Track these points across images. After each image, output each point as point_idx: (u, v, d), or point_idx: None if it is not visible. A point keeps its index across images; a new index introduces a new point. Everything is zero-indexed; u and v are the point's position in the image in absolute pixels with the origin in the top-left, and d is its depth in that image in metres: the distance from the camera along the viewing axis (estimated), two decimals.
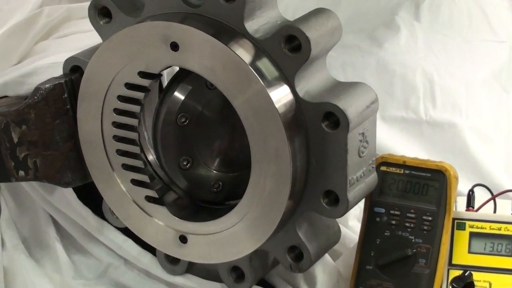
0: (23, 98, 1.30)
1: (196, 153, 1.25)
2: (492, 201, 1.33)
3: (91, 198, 1.37)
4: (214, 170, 1.28)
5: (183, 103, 1.22)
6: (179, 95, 1.21)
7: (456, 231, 1.26)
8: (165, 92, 1.22)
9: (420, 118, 1.58)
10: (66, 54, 1.34)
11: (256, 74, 1.10)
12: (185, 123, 1.22)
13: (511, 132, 1.57)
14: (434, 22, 1.68)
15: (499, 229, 1.25)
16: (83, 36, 1.48)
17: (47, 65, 1.38)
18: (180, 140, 1.23)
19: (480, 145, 1.53)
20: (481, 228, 1.26)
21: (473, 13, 1.69)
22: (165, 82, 1.34)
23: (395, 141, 1.52)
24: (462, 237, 1.25)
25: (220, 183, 1.28)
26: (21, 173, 1.28)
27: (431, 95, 1.59)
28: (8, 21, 1.53)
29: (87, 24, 1.49)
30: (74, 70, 1.26)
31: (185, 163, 1.24)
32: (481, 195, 1.35)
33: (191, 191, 1.26)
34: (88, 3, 1.36)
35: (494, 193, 1.35)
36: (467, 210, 1.31)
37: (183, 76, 1.22)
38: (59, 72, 1.31)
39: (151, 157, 1.29)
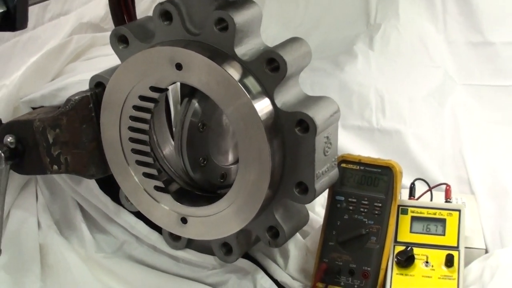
0: (56, 107, 1.30)
1: (210, 153, 1.25)
2: (429, 192, 1.34)
3: (110, 188, 1.37)
4: (222, 165, 1.28)
5: (202, 114, 1.21)
6: (198, 108, 1.21)
7: (400, 215, 1.26)
8: (186, 107, 1.21)
9: (373, 126, 1.58)
10: (91, 73, 1.34)
11: (243, 89, 1.10)
12: (203, 129, 1.22)
13: (444, 137, 1.57)
14: (384, 50, 1.68)
15: (434, 214, 1.26)
16: (105, 58, 1.48)
17: (76, 81, 1.39)
18: (199, 143, 1.23)
19: (419, 148, 1.54)
20: (420, 213, 1.26)
21: (415, 44, 1.69)
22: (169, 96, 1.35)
23: (352, 144, 1.52)
24: (405, 220, 1.26)
25: (225, 175, 1.28)
26: (55, 167, 1.28)
27: (381, 108, 1.60)
28: (45, 46, 1.54)
29: (108, 49, 1.50)
30: (98, 85, 1.26)
31: (202, 161, 1.23)
32: (420, 187, 1.36)
33: (203, 182, 1.26)
34: (108, 33, 1.37)
35: (431, 186, 1.36)
36: (409, 199, 1.32)
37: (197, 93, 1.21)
38: (85, 87, 1.31)
39: (158, 154, 1.29)
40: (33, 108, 1.42)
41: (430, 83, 1.65)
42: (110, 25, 1.64)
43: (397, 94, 1.62)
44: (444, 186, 1.36)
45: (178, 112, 1.21)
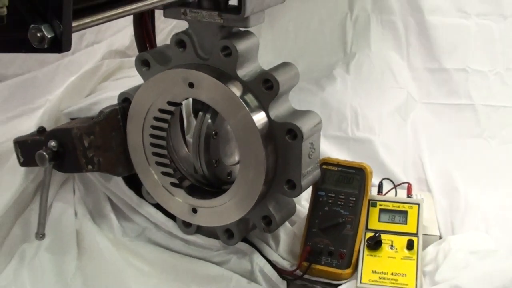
0: (91, 118, 1.31)
1: (220, 155, 1.25)
2: (393, 189, 1.36)
3: (134, 184, 1.38)
4: (228, 165, 1.28)
5: (214, 125, 1.22)
6: (210, 120, 1.22)
7: (370, 208, 1.28)
8: (202, 120, 1.22)
9: (348, 136, 1.59)
10: (118, 91, 1.35)
11: (243, 104, 1.12)
12: (215, 137, 1.23)
13: (407, 146, 1.58)
14: (358, 75, 1.68)
15: (398, 206, 1.27)
16: (130, 79, 1.49)
17: (106, 97, 1.40)
18: (213, 148, 1.24)
19: (386, 153, 1.55)
20: (387, 206, 1.28)
21: (383, 69, 1.70)
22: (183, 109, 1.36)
23: (331, 150, 1.53)
24: (374, 212, 1.27)
25: (231, 173, 1.29)
26: (90, 167, 1.29)
27: (355, 121, 1.60)
28: (81, 68, 1.55)
29: (132, 71, 1.51)
30: (124, 100, 1.28)
31: (214, 163, 1.24)
32: (386, 186, 1.37)
33: (214, 180, 1.26)
34: (133, 58, 1.38)
35: (395, 184, 1.38)
36: (378, 194, 1.33)
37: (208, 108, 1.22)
38: (114, 102, 1.32)
39: (174, 157, 1.30)
40: (71, 119, 1.43)
41: (395, 101, 1.66)
42: (134, 52, 1.64)
43: (369, 110, 1.63)
44: (406, 185, 1.38)
45: (195, 123, 1.22)
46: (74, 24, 0.74)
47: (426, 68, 1.70)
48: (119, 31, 1.70)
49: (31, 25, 0.72)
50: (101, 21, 0.83)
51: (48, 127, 1.37)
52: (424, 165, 1.52)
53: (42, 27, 0.71)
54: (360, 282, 1.18)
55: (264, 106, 1.14)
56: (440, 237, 1.29)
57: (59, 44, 0.71)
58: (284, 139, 1.14)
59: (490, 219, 1.33)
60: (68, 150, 1.29)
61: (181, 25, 1.67)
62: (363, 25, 1.74)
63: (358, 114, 1.62)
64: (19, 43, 0.73)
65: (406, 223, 1.25)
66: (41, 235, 1.31)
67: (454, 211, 1.37)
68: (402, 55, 1.72)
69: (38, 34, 0.71)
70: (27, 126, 1.46)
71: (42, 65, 1.67)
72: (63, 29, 0.71)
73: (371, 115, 1.62)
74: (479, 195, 1.41)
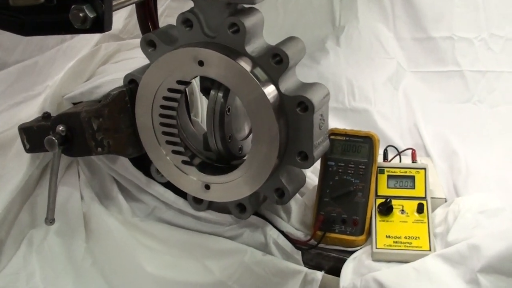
0: (96, 101, 1.29)
1: (233, 131, 1.23)
2: (398, 156, 1.36)
3: (141, 164, 1.36)
4: (240, 140, 1.27)
5: (227, 101, 1.20)
6: (222, 96, 1.20)
7: (379, 175, 1.27)
8: (215, 98, 1.19)
9: (346, 107, 1.59)
10: (119, 73, 1.33)
11: (254, 78, 1.10)
12: (228, 112, 1.21)
13: (401, 113, 1.59)
14: (349, 47, 1.69)
15: (405, 172, 1.27)
16: (129, 61, 1.47)
17: (108, 81, 1.37)
18: (227, 125, 1.21)
19: (383, 122, 1.55)
20: (394, 172, 1.27)
21: (372, 40, 1.70)
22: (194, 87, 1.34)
23: (331, 122, 1.48)
24: (383, 178, 1.27)
25: (241, 147, 1.27)
26: (99, 149, 1.26)
27: (352, 92, 1.60)
28: (79, 53, 1.52)
29: (131, 53, 1.50)
30: (131, 82, 1.25)
31: (228, 139, 1.22)
32: (390, 153, 1.37)
33: (226, 155, 1.24)
34: (131, 40, 1.35)
35: (399, 151, 1.37)
36: (384, 161, 1.33)
37: (219, 86, 1.19)
38: (116, 85, 1.29)
39: (182, 135, 1.28)
40: (74, 104, 1.40)
41: (386, 71, 1.66)
42: (128, 35, 1.63)
43: (363, 80, 1.63)
44: (410, 151, 1.37)
45: (207, 102, 1.20)
46: (114, 3, 0.72)
47: (413, 37, 1.71)
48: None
49: (73, 6, 0.69)
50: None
51: (51, 112, 1.34)
52: (420, 131, 1.53)
53: (84, 7, 0.69)
54: (376, 247, 1.17)
55: (274, 80, 1.12)
56: (446, 200, 1.29)
57: (101, 24, 0.69)
58: (295, 111, 1.12)
59: (491, 180, 1.34)
60: (76, 134, 1.27)
61: (172, 6, 1.66)
62: None
63: (353, 85, 1.61)
64: (60, 24, 0.70)
65: (414, 188, 1.25)
66: (51, 220, 1.28)
67: (456, 174, 1.37)
68: (389, 26, 1.72)
69: (81, 14, 0.69)
70: (28, 113, 1.43)
71: (42, 50, 1.63)
72: (105, 8, 0.69)
73: (365, 86, 1.62)
74: (476, 157, 1.42)
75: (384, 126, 1.54)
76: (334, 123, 1.52)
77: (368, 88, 1.61)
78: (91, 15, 0.69)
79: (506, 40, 1.65)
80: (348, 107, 1.59)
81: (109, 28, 0.70)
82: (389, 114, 1.57)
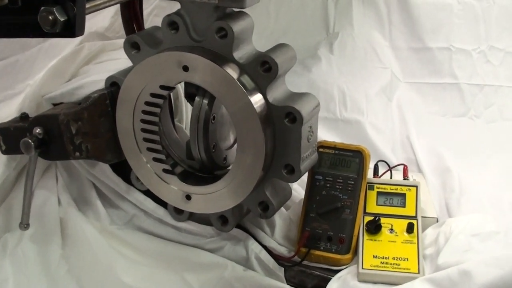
0: (76, 104, 1.24)
1: (218, 140, 1.19)
2: (389, 171, 1.32)
3: (121, 170, 1.31)
4: (224, 149, 1.22)
5: (212, 108, 1.16)
6: (207, 103, 1.15)
7: (368, 191, 1.22)
8: (199, 105, 1.15)
9: (337, 117, 1.55)
10: (102, 74, 1.29)
11: (241, 86, 1.06)
12: (213, 121, 1.16)
13: (394, 126, 1.55)
14: (342, 55, 1.65)
15: (396, 189, 1.22)
16: (113, 62, 1.41)
17: (90, 82, 1.32)
18: (211, 133, 1.17)
19: (375, 134, 1.51)
20: (384, 188, 1.23)
21: (367, 49, 1.66)
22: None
23: (320, 132, 1.45)
24: (372, 195, 1.23)
25: (226, 157, 1.23)
26: (77, 154, 1.22)
27: (343, 102, 1.56)
28: (61, 52, 1.47)
29: (115, 54, 1.45)
30: (112, 84, 1.21)
31: (212, 148, 1.18)
32: (380, 168, 1.33)
33: (209, 165, 1.20)
34: (115, 41, 1.31)
35: (391, 166, 1.33)
36: (374, 177, 1.29)
37: (204, 93, 1.15)
38: (98, 87, 1.25)
39: (164, 142, 1.23)
40: (54, 104, 1.35)
41: (380, 81, 1.63)
42: (114, 34, 1.59)
43: (355, 90, 1.59)
44: (400, 167, 1.33)
45: (191, 108, 1.16)
46: (87, 5, 0.67)
47: (409, 47, 1.67)
48: (99, 13, 1.62)
49: (42, 8, 0.64)
50: (112, 2, 0.76)
51: (30, 113, 1.30)
52: (413, 145, 1.50)
53: (54, 9, 0.64)
54: (362, 268, 1.13)
55: (261, 89, 1.08)
56: (437, 220, 1.25)
57: (72, 28, 0.64)
58: (283, 122, 1.08)
59: (485, 200, 1.31)
60: (54, 137, 1.22)
61: (162, 5, 1.61)
62: (344, 4, 1.70)
63: (345, 94, 1.58)
64: (27, 27, 0.65)
65: (404, 206, 1.21)
66: (25, 225, 1.25)
67: (449, 192, 1.34)
68: (385, 34, 1.69)
69: (50, 17, 0.64)
70: (7, 112, 1.38)
71: (24, 48, 1.58)
72: (76, 11, 0.63)
73: (358, 96, 1.58)
74: (471, 175, 1.38)
75: (375, 138, 1.50)
76: (324, 133, 1.48)
77: (361, 98, 1.57)
78: (61, 18, 0.64)
79: (505, 53, 1.62)
80: (339, 118, 1.55)
81: (81, 32, 0.66)
82: (382, 126, 1.54)
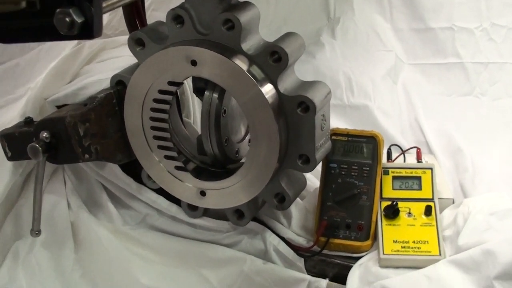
0: (82, 105, 1.22)
1: (230, 133, 1.18)
2: (402, 155, 1.32)
3: (131, 169, 1.30)
4: (237, 143, 1.22)
5: (222, 102, 1.15)
6: (217, 97, 1.14)
7: (383, 176, 1.22)
8: (209, 99, 1.14)
9: (344, 103, 1.54)
10: (105, 73, 1.28)
11: (251, 77, 1.05)
12: (225, 115, 1.15)
13: (401, 108, 1.54)
14: (345, 39, 1.63)
15: (411, 172, 1.22)
16: (116, 60, 1.40)
17: (93, 81, 1.31)
18: (223, 127, 1.16)
19: (384, 118, 1.50)
20: (399, 173, 1.22)
21: (369, 32, 1.65)
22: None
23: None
24: (388, 180, 1.22)
25: (238, 150, 1.22)
26: (87, 156, 1.20)
27: (350, 88, 1.55)
28: (62, 53, 1.45)
29: (117, 51, 1.44)
30: (118, 83, 1.19)
31: (224, 142, 1.17)
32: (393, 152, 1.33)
33: (222, 159, 1.19)
34: (116, 37, 1.29)
35: (403, 149, 1.33)
36: (388, 161, 1.29)
37: (214, 87, 1.14)
38: (102, 86, 1.24)
39: (175, 139, 1.22)
40: (57, 107, 1.33)
41: (385, 64, 1.61)
42: (112, 31, 1.57)
43: (361, 75, 1.58)
44: (414, 150, 1.32)
45: (203, 103, 1.15)
46: (104, 4, 0.65)
47: (411, 28, 1.65)
48: None
49: (58, 10, 0.62)
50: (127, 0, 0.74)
51: (33, 117, 1.29)
52: (422, 127, 1.49)
53: (70, 11, 0.62)
54: (383, 253, 1.12)
55: (272, 80, 1.07)
56: (453, 201, 1.25)
57: (91, 29, 0.62)
58: (295, 112, 1.07)
59: (498, 178, 1.30)
60: (62, 140, 1.21)
61: (158, 0, 1.60)
62: None
63: (351, 80, 1.57)
64: (44, 30, 0.63)
65: (420, 189, 1.20)
66: (36, 232, 1.23)
67: (462, 172, 1.33)
68: (386, 17, 1.67)
69: (67, 19, 0.62)
70: (10, 117, 1.37)
71: (24, 51, 1.56)
72: (94, 12, 0.62)
73: (363, 80, 1.57)
74: (482, 154, 1.38)
75: (384, 122, 1.49)
76: (333, 121, 1.44)
77: (367, 83, 1.56)
78: (79, 19, 0.63)
79: (508, 29, 1.61)
80: (347, 104, 1.54)
81: (99, 33, 0.64)
82: (389, 110, 1.52)
